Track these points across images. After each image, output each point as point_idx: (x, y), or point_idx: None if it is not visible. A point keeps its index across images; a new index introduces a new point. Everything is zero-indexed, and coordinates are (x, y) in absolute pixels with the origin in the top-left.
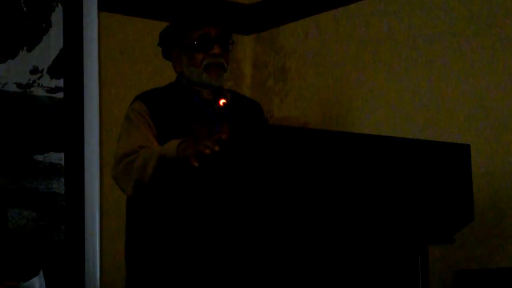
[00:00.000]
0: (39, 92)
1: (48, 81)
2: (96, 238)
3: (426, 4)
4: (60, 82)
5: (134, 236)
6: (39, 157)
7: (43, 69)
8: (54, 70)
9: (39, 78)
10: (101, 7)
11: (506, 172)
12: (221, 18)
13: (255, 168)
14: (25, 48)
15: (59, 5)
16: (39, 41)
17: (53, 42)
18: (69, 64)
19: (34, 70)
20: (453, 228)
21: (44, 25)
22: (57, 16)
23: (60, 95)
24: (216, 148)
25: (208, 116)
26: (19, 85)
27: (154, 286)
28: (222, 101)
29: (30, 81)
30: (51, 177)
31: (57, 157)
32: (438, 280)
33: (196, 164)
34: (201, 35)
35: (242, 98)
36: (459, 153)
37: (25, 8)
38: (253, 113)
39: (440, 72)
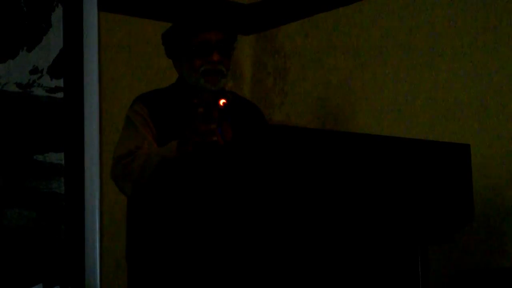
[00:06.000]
0: (39, 92)
1: (48, 81)
2: (96, 238)
3: (426, 4)
4: (60, 82)
5: (136, 237)
6: (39, 157)
7: (43, 69)
8: (54, 70)
9: (39, 78)
10: (101, 7)
11: (506, 172)
12: (224, 23)
13: (257, 168)
14: (25, 48)
15: (59, 5)
16: (39, 41)
17: (53, 42)
18: (69, 64)
19: (34, 70)
20: (453, 228)
21: (44, 25)
22: (57, 16)
23: (60, 95)
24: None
25: None
26: (19, 85)
27: (156, 286)
28: (222, 101)
29: (30, 81)
30: (51, 177)
31: (57, 157)
32: (438, 280)
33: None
34: (201, 41)
35: (242, 100)
36: (459, 153)
37: (25, 8)
38: (254, 115)
39: (440, 72)
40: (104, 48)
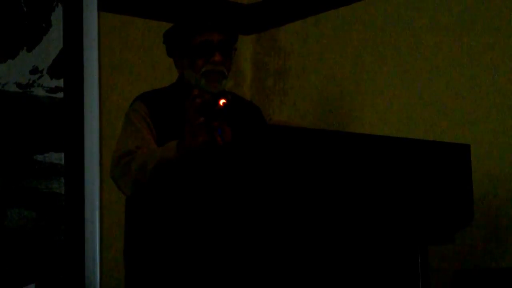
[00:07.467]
0: (39, 92)
1: (48, 81)
2: (96, 238)
3: (426, 4)
4: (60, 82)
5: (133, 236)
6: (39, 157)
7: (43, 69)
8: (54, 70)
9: (39, 78)
10: (101, 7)
11: (506, 172)
12: (226, 23)
13: (257, 169)
14: (25, 48)
15: (59, 5)
16: (39, 41)
17: (53, 42)
18: (69, 64)
19: (34, 70)
20: (453, 228)
21: (44, 25)
22: (57, 16)
23: (60, 95)
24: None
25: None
26: (19, 85)
27: (153, 286)
28: (222, 101)
29: (30, 81)
30: (51, 177)
31: (57, 157)
32: (438, 280)
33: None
34: (202, 41)
35: (242, 100)
36: (459, 153)
37: (25, 8)
38: (254, 115)
39: (440, 72)
40: (104, 48)
